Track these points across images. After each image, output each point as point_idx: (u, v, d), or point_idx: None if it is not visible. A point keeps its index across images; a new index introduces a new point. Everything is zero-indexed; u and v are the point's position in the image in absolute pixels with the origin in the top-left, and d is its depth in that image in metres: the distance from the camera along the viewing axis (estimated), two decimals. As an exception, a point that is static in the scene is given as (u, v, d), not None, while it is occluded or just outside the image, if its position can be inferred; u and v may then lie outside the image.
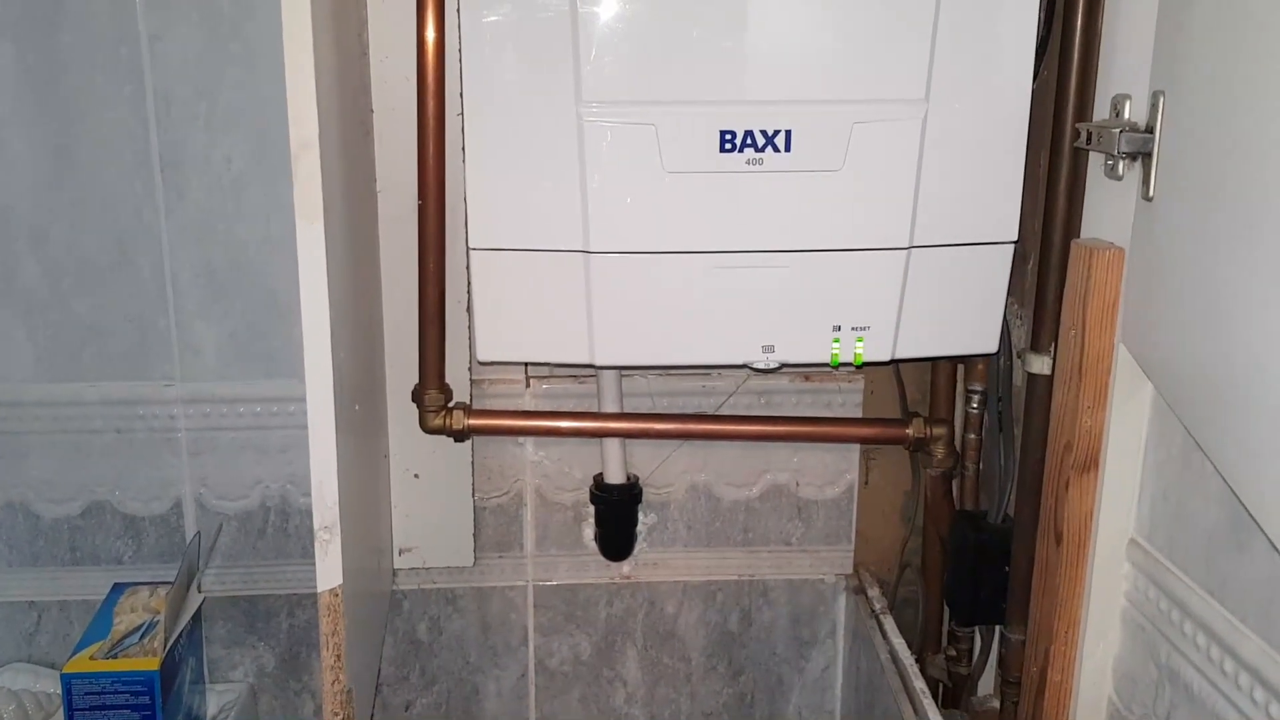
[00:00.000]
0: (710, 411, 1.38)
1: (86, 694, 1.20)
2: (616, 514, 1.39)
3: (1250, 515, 0.75)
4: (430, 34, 1.13)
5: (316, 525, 0.95)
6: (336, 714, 1.00)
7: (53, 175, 1.27)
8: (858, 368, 1.17)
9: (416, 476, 1.36)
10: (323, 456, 0.94)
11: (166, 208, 1.28)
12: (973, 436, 1.30)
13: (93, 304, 1.31)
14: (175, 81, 1.25)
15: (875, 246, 1.07)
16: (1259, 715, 0.81)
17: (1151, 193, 0.90)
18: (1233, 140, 0.77)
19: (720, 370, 1.37)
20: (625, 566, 1.44)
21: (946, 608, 1.38)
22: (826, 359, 1.11)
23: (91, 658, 1.22)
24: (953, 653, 1.36)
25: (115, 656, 1.22)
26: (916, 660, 1.27)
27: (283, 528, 1.40)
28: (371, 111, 1.22)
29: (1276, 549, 0.71)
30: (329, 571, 0.96)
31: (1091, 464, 1.00)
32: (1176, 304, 0.86)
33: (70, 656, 1.22)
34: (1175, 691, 0.93)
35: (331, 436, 0.94)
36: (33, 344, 1.32)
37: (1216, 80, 0.81)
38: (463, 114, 1.05)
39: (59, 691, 1.23)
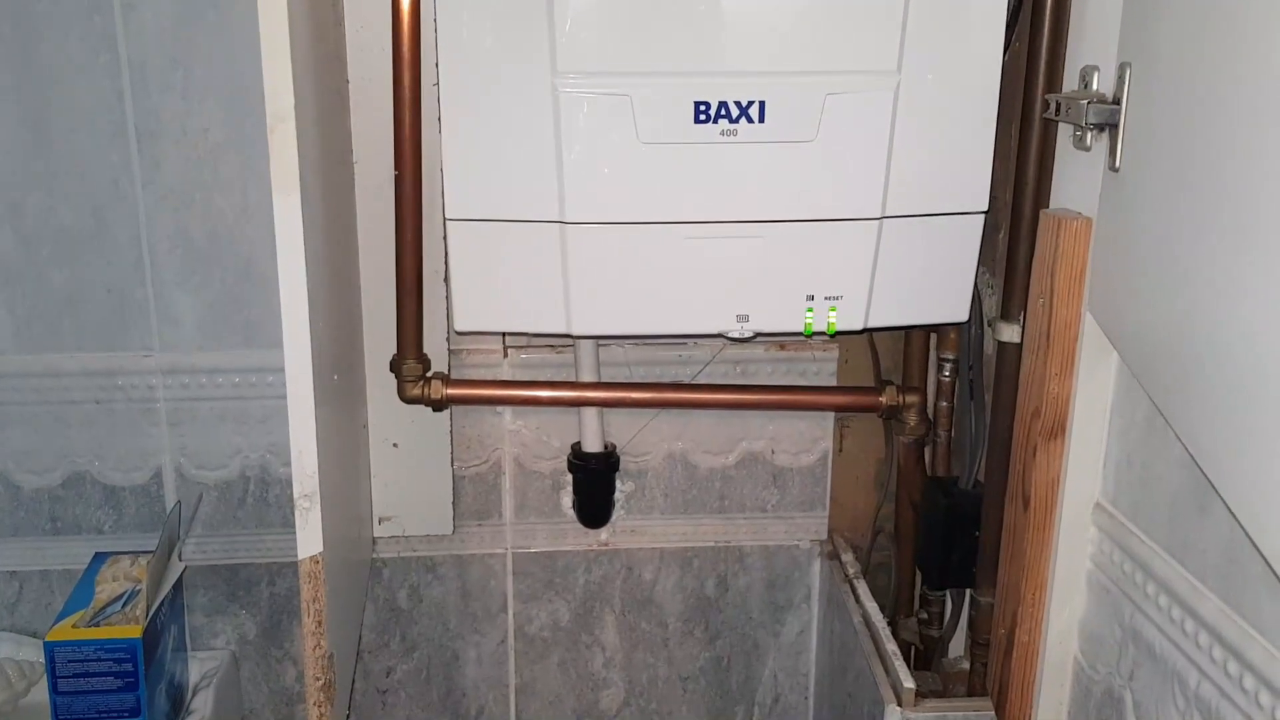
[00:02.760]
0: (687, 380, 1.39)
1: (69, 661, 1.21)
2: (594, 482, 1.40)
3: (1209, 481, 0.76)
4: (405, 3, 1.13)
5: (296, 494, 0.96)
6: (319, 678, 1.01)
7: (28, 146, 1.26)
8: (831, 337, 1.18)
9: (395, 446, 1.37)
10: (302, 426, 0.95)
11: (143, 178, 1.28)
12: (945, 404, 1.31)
13: (70, 274, 1.31)
14: (150, 51, 1.24)
15: (848, 216, 1.08)
16: (1217, 672, 0.84)
17: (1118, 164, 0.91)
18: (1198, 113, 0.78)
19: (696, 340, 1.38)
20: (603, 534, 1.46)
21: (918, 572, 1.40)
22: (800, 328, 1.12)
23: (74, 626, 1.22)
24: (924, 616, 1.38)
25: (97, 624, 1.23)
26: (889, 624, 1.29)
27: (263, 497, 1.41)
28: (347, 82, 1.22)
29: (1233, 514, 0.73)
30: (309, 539, 0.97)
31: (1058, 430, 1.02)
32: (1142, 274, 0.87)
33: (53, 625, 1.23)
34: (1138, 651, 0.95)
35: (310, 406, 0.95)
36: (11, 315, 1.32)
37: (1183, 53, 0.82)
38: (438, 84, 1.05)
39: (42, 660, 1.24)
